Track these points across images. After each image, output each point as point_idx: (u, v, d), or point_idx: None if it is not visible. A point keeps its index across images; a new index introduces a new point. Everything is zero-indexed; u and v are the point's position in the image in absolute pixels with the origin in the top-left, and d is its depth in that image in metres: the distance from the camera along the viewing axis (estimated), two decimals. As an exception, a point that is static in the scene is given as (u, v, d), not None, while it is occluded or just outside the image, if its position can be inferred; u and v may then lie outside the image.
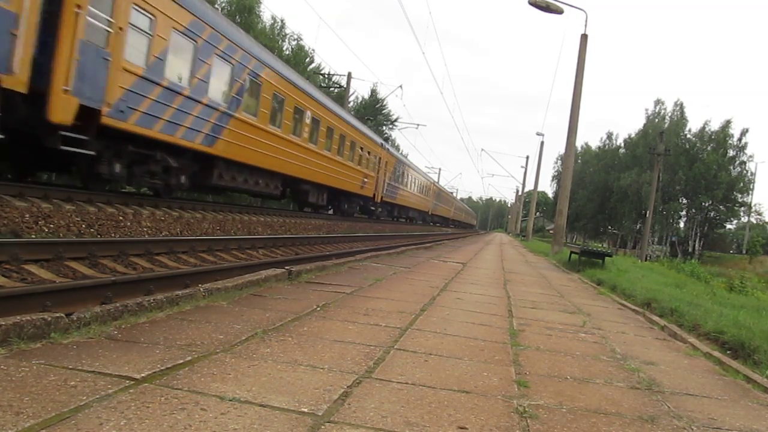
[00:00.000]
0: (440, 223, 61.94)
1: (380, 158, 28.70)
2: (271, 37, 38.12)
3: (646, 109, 72.05)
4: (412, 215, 44.69)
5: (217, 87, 12.35)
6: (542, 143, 54.67)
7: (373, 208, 30.25)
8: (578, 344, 4.88)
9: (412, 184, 39.36)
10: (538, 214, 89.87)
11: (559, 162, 71.35)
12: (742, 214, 67.99)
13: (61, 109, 8.11)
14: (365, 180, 26.07)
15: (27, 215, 7.68)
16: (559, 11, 18.06)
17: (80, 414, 2.15)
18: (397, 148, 60.89)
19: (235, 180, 14.52)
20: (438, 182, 60.50)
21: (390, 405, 2.69)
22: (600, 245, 37.16)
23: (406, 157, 42.41)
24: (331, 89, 36.42)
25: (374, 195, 28.29)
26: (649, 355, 4.77)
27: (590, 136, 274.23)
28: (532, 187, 58.97)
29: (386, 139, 41.78)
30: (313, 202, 21.49)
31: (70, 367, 2.65)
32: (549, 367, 3.88)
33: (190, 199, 15.00)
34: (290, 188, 19.59)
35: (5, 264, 5.80)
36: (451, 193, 76.14)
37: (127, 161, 10.58)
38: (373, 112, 56.16)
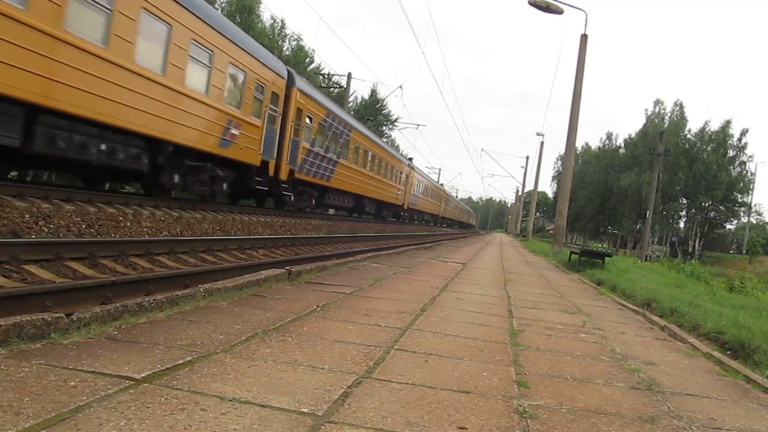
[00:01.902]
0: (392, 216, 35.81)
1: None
2: (271, 38, 38.12)
3: (646, 110, 72.25)
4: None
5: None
6: (542, 143, 54.88)
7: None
8: (578, 344, 4.88)
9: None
10: (538, 214, 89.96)
11: (559, 162, 71.38)
12: (742, 214, 68.12)
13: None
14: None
15: (27, 215, 7.68)
16: (559, 11, 18.07)
17: (80, 414, 2.15)
18: (397, 148, 60.31)
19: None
20: (385, 146, 32.46)
21: (390, 405, 2.69)
22: (600, 245, 37.12)
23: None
24: (331, 89, 36.40)
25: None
26: (649, 356, 4.77)
27: (590, 136, 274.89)
28: (532, 187, 59.08)
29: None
30: None
31: (70, 367, 2.65)
32: (549, 368, 3.88)
33: (190, 200, 15.00)
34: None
35: (5, 264, 5.80)
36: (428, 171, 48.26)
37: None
38: (373, 112, 56.19)
